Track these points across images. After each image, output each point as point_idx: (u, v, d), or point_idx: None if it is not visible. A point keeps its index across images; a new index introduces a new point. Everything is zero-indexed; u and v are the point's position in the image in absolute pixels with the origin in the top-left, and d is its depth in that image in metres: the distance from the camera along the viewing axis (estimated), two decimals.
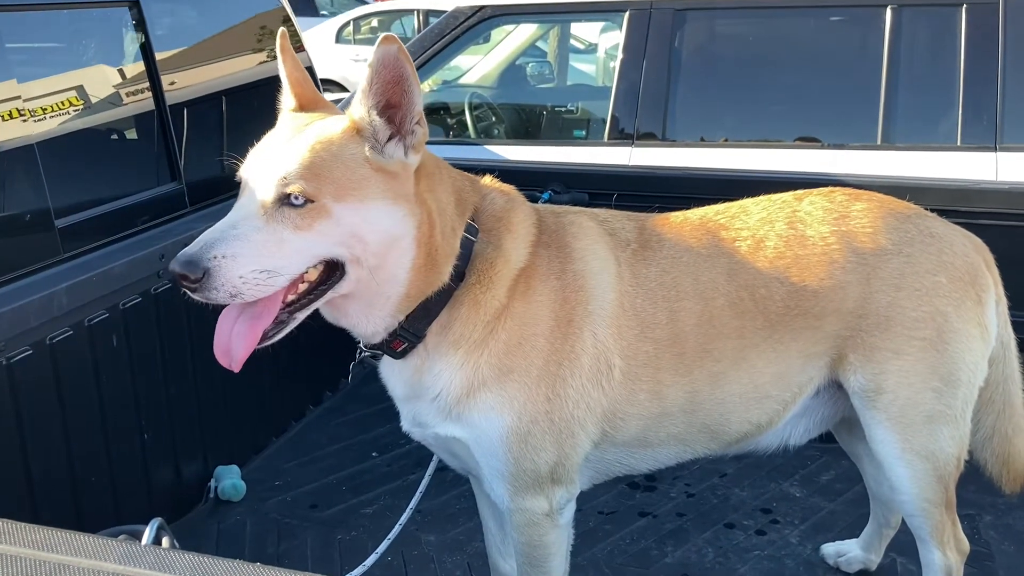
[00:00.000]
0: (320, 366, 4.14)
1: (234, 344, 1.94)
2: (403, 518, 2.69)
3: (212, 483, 3.43)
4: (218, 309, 1.96)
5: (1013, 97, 4.03)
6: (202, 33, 3.64)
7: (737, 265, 2.29)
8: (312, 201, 1.87)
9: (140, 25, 3.28)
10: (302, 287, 1.97)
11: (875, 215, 2.34)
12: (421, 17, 13.94)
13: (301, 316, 2.00)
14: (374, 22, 14.69)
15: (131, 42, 3.27)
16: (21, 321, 2.59)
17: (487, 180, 2.28)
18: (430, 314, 2.11)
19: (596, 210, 2.38)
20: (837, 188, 2.45)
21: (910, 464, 2.36)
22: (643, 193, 4.17)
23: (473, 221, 2.17)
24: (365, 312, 2.09)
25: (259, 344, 1.95)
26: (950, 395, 2.31)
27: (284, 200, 1.87)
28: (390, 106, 1.95)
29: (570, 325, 2.17)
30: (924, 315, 2.27)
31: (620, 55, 4.61)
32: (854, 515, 3.27)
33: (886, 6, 4.25)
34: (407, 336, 2.12)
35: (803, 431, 2.54)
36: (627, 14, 4.61)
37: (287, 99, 2.14)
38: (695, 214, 2.41)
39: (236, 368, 1.94)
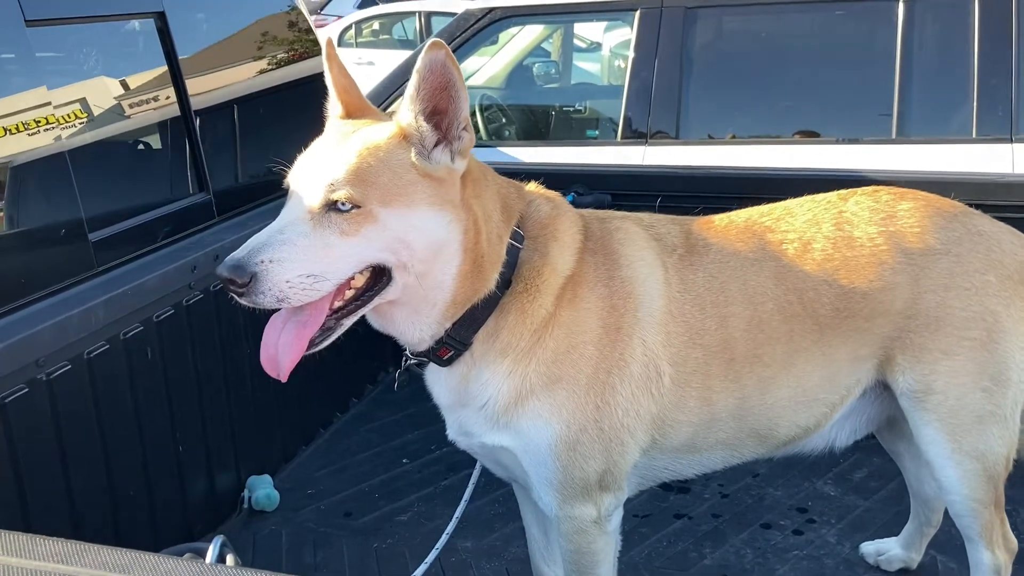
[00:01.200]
0: (347, 373, 4.13)
1: (281, 353, 1.94)
2: (449, 527, 2.68)
3: (245, 493, 3.42)
4: (262, 314, 1.96)
5: None
6: (226, 41, 3.62)
7: (785, 268, 2.28)
8: (359, 207, 1.88)
9: (165, 35, 3.26)
10: (349, 293, 1.97)
11: (922, 214, 2.33)
12: (422, 20, 13.92)
13: (348, 322, 2.00)
14: (375, 25, 14.67)
15: (157, 52, 3.25)
16: (61, 336, 2.58)
17: (532, 186, 2.28)
18: (476, 322, 2.10)
19: (640, 215, 2.37)
20: (881, 187, 2.44)
21: (960, 464, 2.35)
22: (655, 192, 4.17)
23: (519, 228, 2.17)
24: (411, 319, 2.08)
25: (306, 351, 1.94)
26: (1000, 395, 2.30)
27: (331, 206, 1.88)
28: (437, 112, 1.96)
29: (619, 332, 2.17)
30: (974, 315, 2.26)
31: (632, 54, 4.61)
32: (890, 513, 3.26)
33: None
34: (453, 344, 2.11)
35: (849, 432, 2.53)
36: (638, 13, 4.60)
37: (334, 106, 2.15)
38: (740, 216, 2.40)
39: (284, 377, 1.94)
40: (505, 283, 2.11)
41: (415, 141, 1.95)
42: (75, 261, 2.77)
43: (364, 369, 4.36)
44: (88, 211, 2.82)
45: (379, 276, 1.97)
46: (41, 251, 2.70)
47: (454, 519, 2.68)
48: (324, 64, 2.13)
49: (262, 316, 3.53)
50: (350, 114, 2.12)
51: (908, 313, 2.29)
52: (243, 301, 1.85)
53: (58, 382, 2.59)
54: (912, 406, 2.36)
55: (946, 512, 2.80)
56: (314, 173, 1.92)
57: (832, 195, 2.43)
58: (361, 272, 1.94)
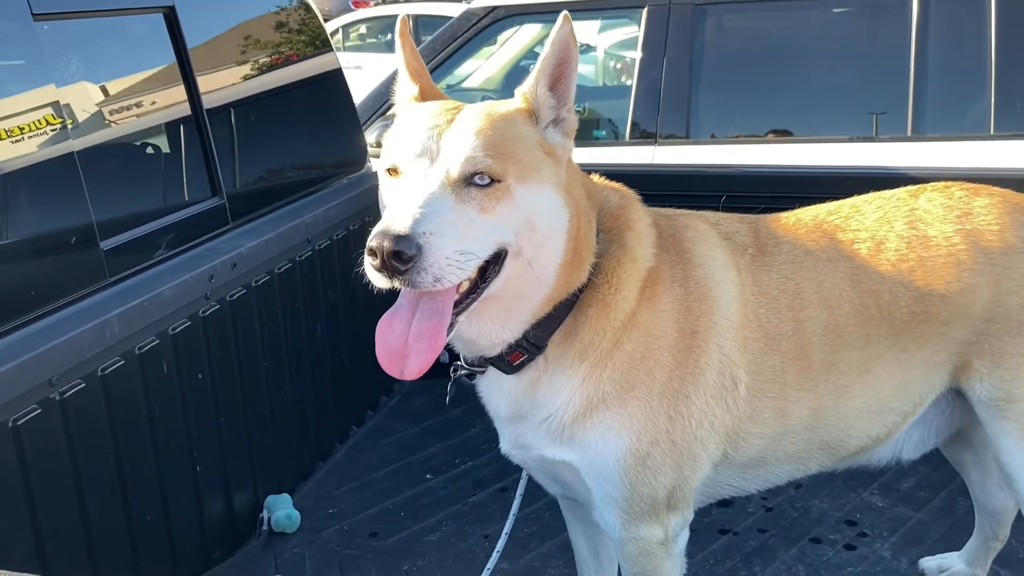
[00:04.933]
0: (360, 383, 3.96)
1: (415, 348, 1.73)
2: (499, 544, 2.51)
3: (264, 514, 3.24)
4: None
5: None
6: (238, 38, 3.45)
7: (860, 269, 2.13)
8: (498, 181, 1.73)
9: (175, 31, 3.09)
10: (464, 286, 1.77)
11: (1000, 211, 2.19)
12: (410, 24, 13.76)
13: (462, 318, 1.79)
14: (363, 28, 14.52)
15: (167, 50, 3.07)
16: (75, 353, 2.40)
17: (596, 178, 2.14)
18: (555, 321, 1.95)
19: (705, 212, 2.22)
20: (952, 183, 2.30)
21: None
22: (671, 192, 4.06)
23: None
24: (503, 317, 1.91)
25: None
26: None
27: (470, 179, 1.72)
28: (553, 87, 1.86)
29: (694, 337, 2.02)
30: None
31: (640, 53, 4.48)
32: (945, 525, 3.12)
33: None
34: (528, 347, 1.95)
35: (917, 443, 2.40)
36: (645, 10, 4.49)
37: (406, 87, 2.00)
38: (806, 214, 2.25)
39: (412, 377, 1.72)
40: (588, 277, 1.97)
41: (542, 114, 1.86)
42: (87, 271, 2.58)
43: (378, 379, 4.17)
44: (99, 217, 2.63)
45: (488, 266, 1.79)
46: (52, 260, 2.51)
47: (502, 537, 2.51)
48: (397, 43, 1.99)
49: (282, 326, 3.36)
50: (425, 98, 1.98)
51: (988, 316, 2.15)
52: (395, 282, 1.64)
53: (71, 401, 2.41)
54: (990, 414, 2.22)
55: (1013, 526, 2.67)
56: (447, 145, 1.75)
57: (901, 191, 2.30)
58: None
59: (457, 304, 1.76)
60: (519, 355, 1.96)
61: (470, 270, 1.71)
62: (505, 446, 2.17)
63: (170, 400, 2.81)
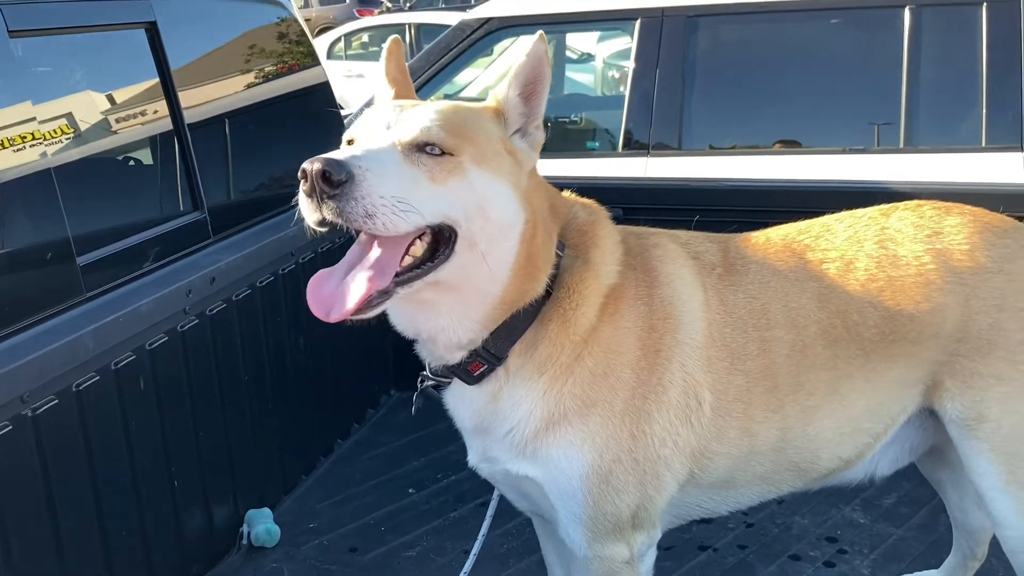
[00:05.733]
0: (347, 395, 3.96)
1: (339, 295, 1.73)
2: (467, 566, 2.51)
3: (244, 529, 3.24)
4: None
5: None
6: (220, 53, 3.46)
7: (828, 290, 2.13)
8: (451, 155, 1.76)
9: (157, 46, 3.09)
10: (407, 260, 1.78)
11: (971, 230, 2.18)
12: (413, 32, 13.80)
13: (402, 292, 1.78)
14: (365, 37, 14.55)
15: (148, 65, 3.08)
16: (47, 369, 2.40)
17: (567, 194, 2.15)
18: (515, 332, 1.96)
19: (676, 232, 2.22)
20: (925, 201, 2.29)
21: (1016, 497, 2.19)
22: (661, 206, 4.06)
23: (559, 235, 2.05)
24: (458, 311, 1.91)
25: (363, 312, 1.73)
26: None
27: (421, 147, 1.76)
28: (524, 101, 1.93)
29: (657, 356, 2.01)
30: None
31: (632, 64, 4.48)
32: (925, 542, 3.11)
33: (904, 7, 4.13)
34: (487, 357, 1.95)
35: (890, 462, 2.38)
36: (638, 22, 4.49)
37: (384, 92, 2.08)
38: (777, 234, 2.25)
39: (332, 319, 1.73)
40: (548, 289, 1.98)
41: (510, 119, 1.92)
42: (62, 286, 2.59)
43: (365, 391, 4.19)
44: (76, 232, 2.63)
45: (438, 247, 1.81)
46: (26, 276, 2.51)
47: (471, 557, 2.51)
48: (383, 58, 2.09)
49: (264, 339, 3.36)
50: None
51: (958, 336, 2.14)
52: (325, 211, 1.63)
53: (44, 418, 2.41)
54: (962, 434, 2.20)
55: (991, 544, 2.66)
56: (406, 116, 1.80)
57: (873, 210, 2.29)
58: (421, 238, 1.78)
59: (398, 275, 1.75)
60: (479, 365, 1.96)
61: (411, 224, 1.69)
62: (473, 459, 2.18)
63: (147, 415, 2.81)
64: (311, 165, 1.61)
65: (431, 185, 1.74)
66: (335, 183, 1.60)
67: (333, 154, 1.66)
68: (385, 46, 2.11)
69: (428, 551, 3.20)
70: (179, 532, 2.96)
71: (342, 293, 1.73)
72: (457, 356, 1.97)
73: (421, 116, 1.80)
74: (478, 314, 1.91)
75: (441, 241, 1.80)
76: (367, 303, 1.72)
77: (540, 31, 1.89)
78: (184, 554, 2.98)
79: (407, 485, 3.61)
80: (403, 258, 1.76)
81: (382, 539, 3.28)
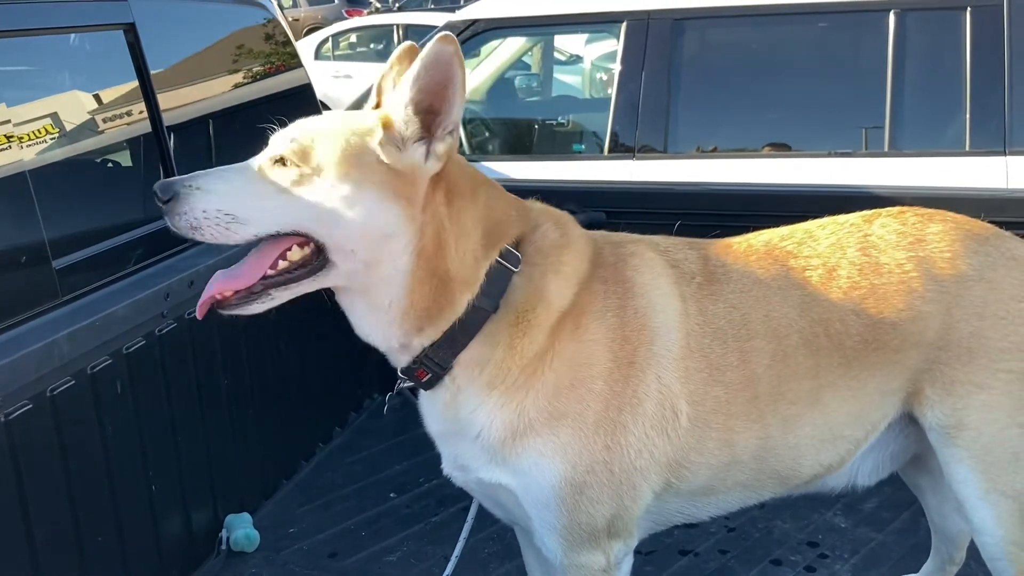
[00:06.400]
0: (329, 399, 3.94)
1: (214, 287, 1.92)
2: (448, 570, 2.49)
3: (223, 534, 3.21)
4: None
5: (1022, 99, 3.93)
6: (201, 54, 3.43)
7: (810, 298, 2.12)
8: (299, 167, 1.86)
9: (136, 48, 3.06)
10: (281, 264, 1.90)
11: (953, 238, 2.18)
12: (400, 33, 13.74)
13: (275, 294, 1.92)
14: (353, 38, 14.47)
15: (127, 66, 3.05)
16: (21, 373, 2.37)
17: (540, 207, 2.11)
18: (456, 344, 1.96)
19: (655, 238, 2.20)
20: (908, 208, 2.29)
21: (995, 505, 2.19)
22: (648, 210, 4.05)
23: (519, 251, 2.00)
24: (373, 316, 1.96)
25: (225, 308, 1.92)
26: None
27: (279, 160, 1.88)
28: (431, 108, 1.85)
29: (632, 367, 2.00)
30: (1010, 345, 2.11)
31: (618, 66, 4.47)
32: (905, 546, 3.11)
33: (889, 11, 4.13)
34: (430, 365, 1.98)
35: (871, 469, 2.38)
36: (624, 24, 4.47)
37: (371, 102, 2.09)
38: (758, 240, 2.24)
39: (198, 314, 1.95)
40: (493, 307, 1.96)
41: (397, 130, 1.87)
42: (37, 290, 2.56)
43: (348, 395, 4.16)
44: (52, 235, 2.60)
45: (317, 256, 1.90)
46: (0, 279, 2.48)
47: (452, 561, 2.49)
48: (389, 61, 2.09)
49: (244, 343, 3.33)
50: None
51: (939, 344, 2.13)
52: (167, 221, 1.88)
53: (18, 423, 2.37)
54: (942, 442, 2.20)
55: (969, 548, 2.66)
56: (279, 132, 1.95)
57: (855, 217, 2.28)
58: (300, 246, 1.89)
59: (268, 279, 1.90)
60: (424, 372, 1.99)
61: (239, 236, 1.85)
62: (446, 466, 2.16)
63: (125, 420, 2.77)
64: (153, 186, 1.88)
65: (276, 195, 1.85)
66: (163, 201, 1.85)
67: (177, 177, 1.90)
68: (395, 53, 2.06)
69: (409, 556, 3.18)
70: (157, 537, 2.93)
71: (212, 288, 1.92)
72: (404, 360, 2.00)
73: (285, 131, 1.92)
74: (389, 317, 1.94)
75: (319, 250, 1.89)
76: (229, 308, 1.91)
77: (447, 32, 1.89)
78: (162, 560, 2.95)
79: (389, 489, 3.59)
80: (277, 262, 1.89)
81: (362, 544, 3.26)
